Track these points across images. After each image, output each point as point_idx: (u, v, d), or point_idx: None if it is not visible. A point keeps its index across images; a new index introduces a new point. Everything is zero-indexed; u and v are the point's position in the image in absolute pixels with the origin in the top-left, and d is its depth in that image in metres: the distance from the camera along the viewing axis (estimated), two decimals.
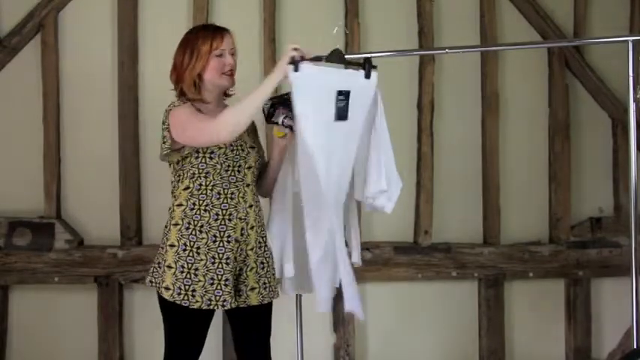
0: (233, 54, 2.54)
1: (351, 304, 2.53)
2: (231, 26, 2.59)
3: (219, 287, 2.41)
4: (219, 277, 2.41)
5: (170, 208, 2.50)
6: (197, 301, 2.40)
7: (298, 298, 3.00)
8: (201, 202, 2.44)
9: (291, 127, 2.51)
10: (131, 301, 3.72)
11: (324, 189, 2.43)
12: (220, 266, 2.42)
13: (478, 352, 3.92)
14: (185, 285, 2.41)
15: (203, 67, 2.49)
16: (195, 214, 2.44)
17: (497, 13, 3.93)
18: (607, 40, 3.40)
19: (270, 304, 2.57)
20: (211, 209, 2.43)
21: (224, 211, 2.44)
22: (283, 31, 3.81)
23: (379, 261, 3.78)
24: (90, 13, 3.72)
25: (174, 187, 2.52)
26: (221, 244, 2.42)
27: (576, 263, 3.93)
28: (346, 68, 2.48)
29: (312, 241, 2.46)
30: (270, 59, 3.72)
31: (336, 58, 2.46)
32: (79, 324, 3.68)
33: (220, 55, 2.49)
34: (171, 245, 2.44)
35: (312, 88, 2.37)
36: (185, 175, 2.47)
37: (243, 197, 2.48)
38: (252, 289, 2.50)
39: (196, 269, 2.41)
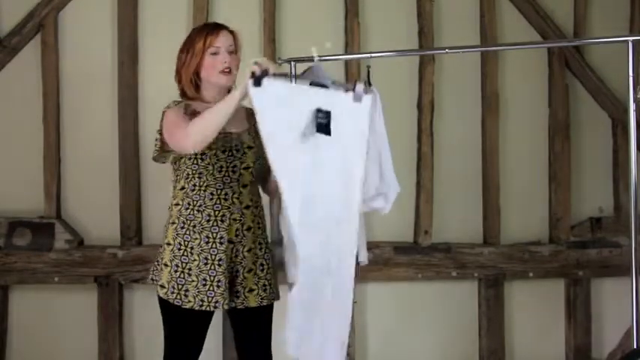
0: (233, 52, 2.50)
1: None
2: (231, 26, 2.58)
3: (211, 288, 2.41)
4: (212, 278, 2.41)
5: (169, 207, 2.52)
6: (189, 301, 2.41)
7: None
8: (195, 202, 2.44)
9: None
10: (131, 301, 3.72)
11: (309, 212, 2.22)
12: (213, 267, 2.41)
13: (478, 352, 3.92)
14: (179, 284, 2.42)
15: (198, 65, 2.48)
16: (190, 214, 2.44)
17: (497, 13, 3.93)
18: (607, 40, 3.40)
19: (270, 305, 2.56)
20: (204, 210, 2.43)
21: (216, 212, 2.43)
22: (283, 31, 3.81)
23: (379, 261, 3.77)
24: (90, 13, 3.72)
25: (173, 186, 2.53)
26: (214, 246, 2.42)
27: (576, 263, 3.93)
28: (329, 87, 2.26)
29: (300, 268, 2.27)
30: (270, 59, 3.72)
31: (313, 75, 2.27)
32: (79, 324, 3.68)
33: (216, 53, 2.46)
34: (168, 244, 2.46)
35: (279, 105, 2.18)
36: (181, 176, 2.48)
37: (238, 198, 2.46)
38: (251, 290, 2.48)
39: (190, 269, 2.42)
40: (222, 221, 2.43)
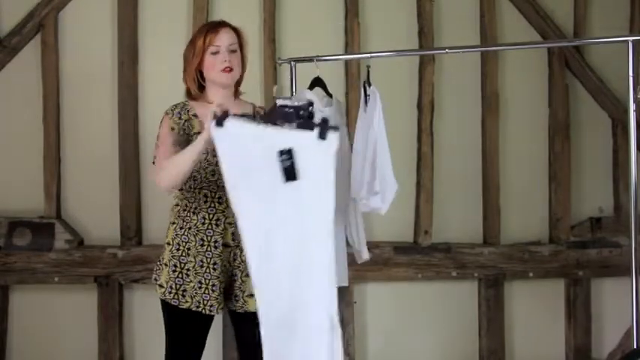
0: (235, 50, 2.47)
1: None
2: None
3: (206, 292, 2.41)
4: (207, 281, 2.41)
5: (171, 207, 2.52)
6: (187, 301, 2.41)
7: None
8: (190, 203, 2.45)
9: None
10: (131, 301, 3.72)
11: (275, 255, 2.12)
12: (208, 271, 2.41)
13: (478, 352, 3.92)
14: (177, 284, 2.42)
15: (200, 64, 2.46)
16: (187, 215, 2.45)
17: (497, 13, 3.93)
18: (607, 40, 3.40)
19: None
20: (199, 212, 2.43)
21: (211, 216, 2.43)
22: (283, 31, 3.81)
23: (379, 261, 3.77)
24: (90, 13, 3.72)
25: None
26: (208, 249, 2.41)
27: (576, 263, 3.93)
28: (297, 125, 2.14)
29: (265, 311, 2.15)
30: (270, 59, 3.72)
31: (279, 115, 2.17)
32: (79, 324, 3.68)
33: (216, 53, 2.44)
34: (168, 243, 2.47)
35: (241, 146, 2.12)
36: None
37: None
38: (251, 295, 2.42)
39: (188, 270, 2.42)
40: (216, 225, 2.43)
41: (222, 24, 2.51)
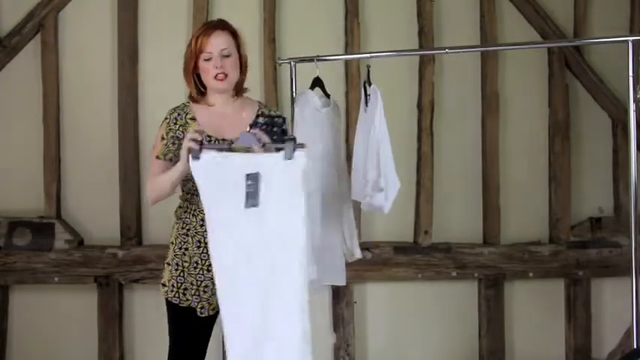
0: (228, 55, 2.42)
1: None
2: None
3: (196, 293, 2.42)
4: (199, 282, 2.42)
5: (176, 208, 2.54)
6: (187, 300, 2.43)
7: None
8: (190, 205, 2.46)
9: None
10: (131, 301, 3.72)
11: (242, 283, 2.17)
12: (202, 272, 2.42)
13: (478, 352, 3.92)
14: (178, 282, 2.43)
15: (195, 67, 2.45)
16: (187, 217, 2.46)
17: (497, 13, 3.93)
18: (607, 40, 3.40)
19: None
20: (198, 214, 2.43)
21: None
22: (283, 31, 3.82)
23: (379, 261, 3.77)
24: (90, 13, 3.72)
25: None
26: (204, 251, 2.41)
27: (576, 263, 3.93)
28: (266, 150, 2.24)
29: (231, 335, 2.19)
30: (270, 59, 3.73)
31: (247, 140, 2.25)
32: (79, 324, 3.68)
33: (209, 59, 2.41)
34: (172, 243, 2.49)
35: (216, 174, 2.20)
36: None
37: None
38: None
39: (188, 269, 2.44)
40: None
41: (218, 26, 2.46)
